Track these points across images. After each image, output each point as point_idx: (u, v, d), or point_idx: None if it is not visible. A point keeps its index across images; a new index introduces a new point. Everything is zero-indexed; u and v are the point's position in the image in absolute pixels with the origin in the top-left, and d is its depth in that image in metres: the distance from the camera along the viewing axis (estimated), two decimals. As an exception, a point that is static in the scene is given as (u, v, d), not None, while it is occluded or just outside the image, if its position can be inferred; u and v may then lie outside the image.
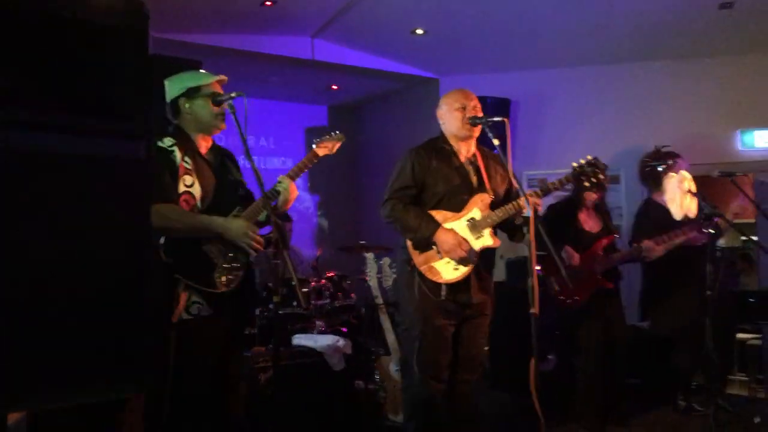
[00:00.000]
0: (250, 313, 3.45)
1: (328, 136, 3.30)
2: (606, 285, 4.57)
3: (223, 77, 3.10)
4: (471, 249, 3.34)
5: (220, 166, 3.08)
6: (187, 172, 2.89)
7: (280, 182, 3.07)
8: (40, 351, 1.18)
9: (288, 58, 6.72)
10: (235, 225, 2.91)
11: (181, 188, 2.86)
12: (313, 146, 3.26)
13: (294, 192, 3.10)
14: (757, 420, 4.43)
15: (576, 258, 4.52)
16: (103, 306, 1.24)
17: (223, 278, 2.86)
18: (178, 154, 2.88)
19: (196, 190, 2.89)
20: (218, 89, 3.04)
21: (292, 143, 8.65)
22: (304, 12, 5.98)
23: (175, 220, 2.77)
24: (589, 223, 4.72)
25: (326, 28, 6.39)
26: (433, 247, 3.37)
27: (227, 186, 3.04)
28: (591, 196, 4.63)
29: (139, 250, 1.26)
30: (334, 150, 3.30)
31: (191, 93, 2.99)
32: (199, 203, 2.90)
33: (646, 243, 4.61)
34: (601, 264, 4.56)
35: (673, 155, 4.95)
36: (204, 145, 3.05)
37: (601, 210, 4.81)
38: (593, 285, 4.53)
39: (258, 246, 2.94)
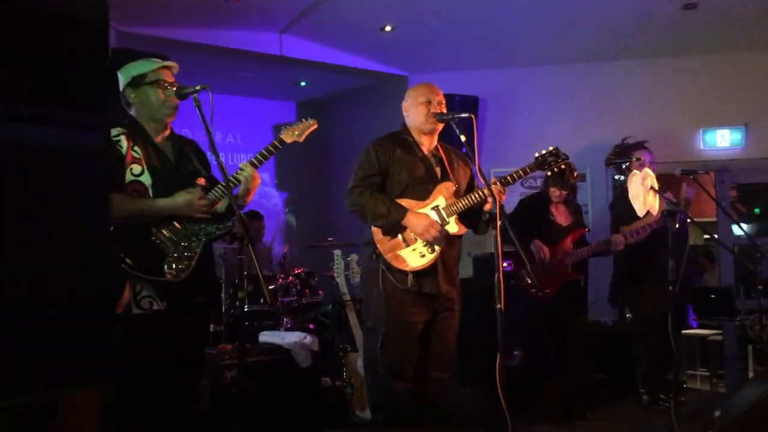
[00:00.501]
0: (210, 306, 3.34)
1: (298, 122, 3.17)
2: (576, 277, 4.70)
3: (171, 63, 3.04)
4: (443, 229, 3.35)
5: (179, 156, 3.02)
6: (135, 161, 2.84)
7: (241, 170, 2.98)
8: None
9: (256, 53, 6.68)
10: (179, 199, 2.84)
11: (129, 177, 2.82)
12: (281, 132, 3.14)
13: (256, 180, 3.00)
14: (717, 414, 4.51)
15: (546, 251, 4.61)
16: (49, 300, 1.22)
17: (173, 268, 2.79)
18: (125, 144, 2.84)
19: (146, 179, 2.84)
20: (167, 76, 2.98)
21: (259, 139, 8.58)
22: (273, 7, 5.94)
23: (117, 209, 2.67)
24: (560, 216, 4.84)
25: (295, 24, 6.35)
26: (399, 236, 3.36)
27: (183, 175, 2.96)
28: (555, 193, 4.76)
29: (95, 242, 1.24)
30: (303, 137, 3.15)
31: (136, 82, 2.95)
32: (150, 191, 2.85)
33: (614, 236, 4.75)
34: (570, 257, 4.68)
35: (639, 145, 5.04)
36: (159, 133, 3.00)
37: (572, 205, 4.93)
38: (563, 277, 4.65)
39: (209, 208, 2.88)
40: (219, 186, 2.91)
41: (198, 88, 2.83)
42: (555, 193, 4.78)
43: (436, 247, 3.35)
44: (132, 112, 2.99)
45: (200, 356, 3.17)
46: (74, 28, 1.24)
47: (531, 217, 4.83)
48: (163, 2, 5.62)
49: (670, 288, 3.94)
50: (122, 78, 2.99)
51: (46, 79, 1.20)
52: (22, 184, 1.17)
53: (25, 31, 1.19)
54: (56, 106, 1.20)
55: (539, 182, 7.09)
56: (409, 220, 3.33)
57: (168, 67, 3.02)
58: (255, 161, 2.98)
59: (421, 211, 3.39)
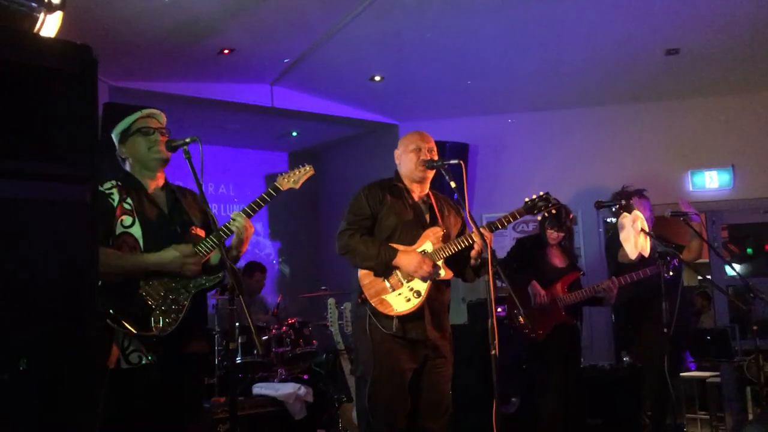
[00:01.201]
0: (204, 357, 3.26)
1: (295, 169, 3.14)
2: (569, 321, 4.71)
3: (152, 111, 3.04)
4: (435, 264, 3.33)
5: (173, 205, 3.00)
6: (126, 212, 2.82)
7: (233, 219, 2.92)
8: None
9: (247, 105, 6.75)
10: (167, 255, 2.80)
11: (119, 229, 2.80)
12: (276, 181, 3.09)
13: (249, 229, 2.95)
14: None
15: (543, 293, 4.66)
16: (35, 353, 1.20)
17: (160, 321, 2.74)
18: (116, 196, 2.84)
19: (136, 231, 2.82)
20: (151, 123, 2.98)
21: (252, 190, 8.62)
22: (263, 60, 6.02)
23: (105, 264, 2.57)
24: (556, 258, 4.88)
25: (285, 75, 6.44)
26: (385, 281, 3.35)
27: (176, 225, 2.94)
28: (552, 235, 4.81)
29: (80, 294, 1.23)
30: (300, 183, 3.12)
31: (124, 136, 2.98)
32: (141, 242, 2.82)
33: (605, 283, 4.72)
34: (564, 300, 4.70)
35: (638, 193, 5.07)
36: (152, 184, 3.00)
37: (568, 249, 4.99)
38: (556, 320, 4.66)
39: (196, 267, 2.84)
40: (210, 237, 2.89)
41: (188, 140, 2.84)
42: (552, 234, 4.81)
43: (422, 292, 3.33)
44: (127, 167, 3.00)
45: (195, 409, 3.09)
46: (61, 81, 1.25)
47: (527, 257, 4.87)
48: (155, 57, 5.70)
49: (665, 330, 3.92)
50: (114, 138, 3.02)
51: (30, 133, 1.21)
52: (3, 237, 1.17)
53: (11, 85, 1.20)
54: (39, 159, 1.21)
55: (531, 227, 7.15)
56: (400, 259, 3.32)
57: (151, 115, 3.02)
58: (248, 210, 2.95)
59: None
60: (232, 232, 2.91)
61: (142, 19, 4.93)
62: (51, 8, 1.59)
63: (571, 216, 4.80)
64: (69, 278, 1.22)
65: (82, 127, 1.27)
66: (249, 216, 2.95)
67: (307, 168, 3.16)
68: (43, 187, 1.21)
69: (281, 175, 3.12)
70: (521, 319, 4.57)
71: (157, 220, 2.91)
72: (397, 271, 3.36)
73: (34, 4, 1.53)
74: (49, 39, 1.56)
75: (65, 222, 1.21)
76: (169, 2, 4.71)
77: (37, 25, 1.61)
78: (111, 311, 2.67)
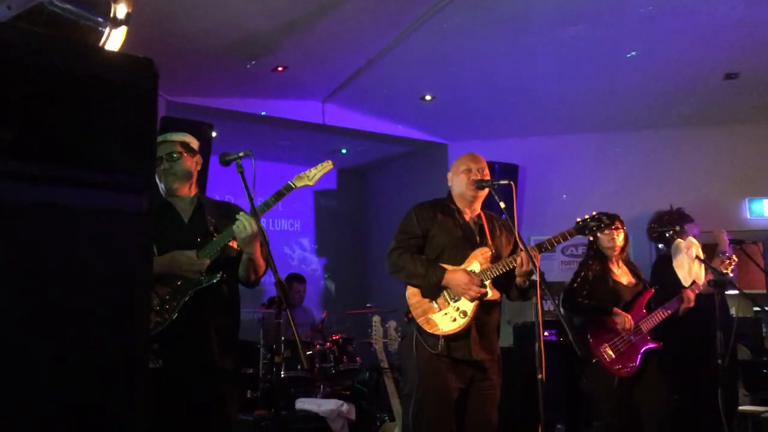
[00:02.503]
0: (235, 372, 3.20)
1: (312, 168, 3.07)
2: (656, 345, 4.19)
3: (175, 138, 3.08)
4: (483, 282, 3.30)
5: (194, 215, 3.04)
6: None
7: (237, 218, 2.86)
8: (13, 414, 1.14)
9: (299, 122, 6.84)
10: (168, 258, 2.83)
11: None
12: (291, 180, 3.03)
13: (253, 228, 2.83)
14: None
15: (629, 320, 4.11)
16: (90, 368, 1.22)
17: (151, 320, 2.72)
18: None
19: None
20: (173, 147, 3.03)
21: (300, 205, 8.71)
22: (315, 77, 6.11)
23: None
24: (623, 275, 4.34)
25: (336, 93, 6.51)
26: (433, 300, 3.34)
27: (193, 234, 2.95)
28: (606, 239, 4.26)
29: (135, 304, 1.25)
30: (315, 180, 3.05)
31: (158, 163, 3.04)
32: (155, 250, 2.82)
33: (686, 293, 4.26)
34: (647, 322, 4.19)
35: (687, 218, 4.92)
36: (180, 193, 3.05)
37: (630, 263, 4.46)
38: (643, 346, 4.14)
39: (197, 269, 2.83)
40: (215, 240, 2.89)
41: (241, 154, 2.86)
42: (606, 238, 4.24)
43: (469, 312, 3.30)
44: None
45: (217, 424, 3.03)
46: (123, 93, 1.29)
47: (594, 280, 4.30)
48: (210, 73, 5.84)
49: (719, 362, 3.79)
50: None
51: (90, 143, 1.25)
52: (56, 246, 1.19)
53: (73, 97, 1.24)
54: (98, 168, 1.24)
55: (580, 251, 7.03)
56: (449, 278, 3.32)
57: (165, 140, 3.05)
58: (258, 210, 2.88)
59: None
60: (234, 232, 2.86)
61: (201, 36, 5.06)
62: (116, 23, 1.65)
63: (622, 219, 4.18)
64: (125, 287, 1.24)
65: (141, 139, 1.31)
66: (257, 216, 2.86)
67: (326, 163, 3.10)
68: (103, 197, 1.24)
69: (298, 174, 3.07)
70: (611, 354, 4.06)
71: (172, 225, 2.96)
72: (445, 291, 3.35)
73: (100, 19, 1.59)
74: (112, 52, 1.61)
75: (122, 232, 1.24)
76: (227, 21, 4.83)
77: (103, 39, 1.66)
78: None
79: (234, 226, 2.84)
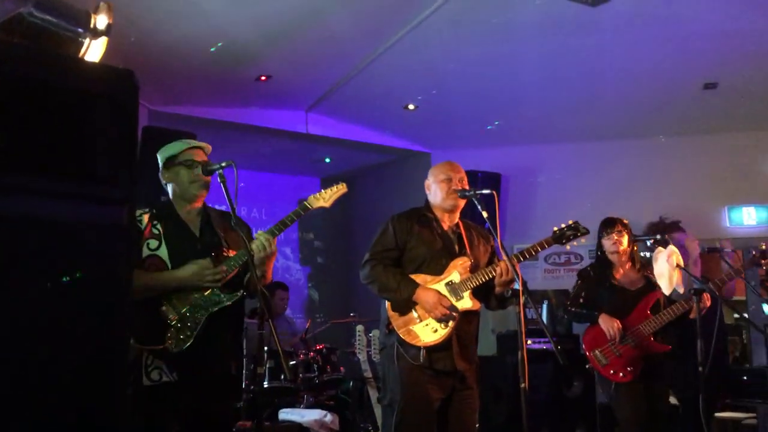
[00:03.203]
0: (235, 378, 3.23)
1: (328, 189, 3.11)
2: (663, 349, 4.10)
3: (202, 144, 3.09)
4: (452, 305, 3.30)
5: (204, 227, 3.02)
6: (154, 236, 2.86)
7: (256, 237, 2.90)
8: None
9: (282, 131, 6.83)
10: (187, 269, 2.83)
11: (146, 252, 2.83)
12: (306, 200, 3.08)
13: (272, 248, 2.89)
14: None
15: (616, 325, 4.03)
16: (71, 376, 1.21)
17: (173, 337, 2.75)
18: (145, 221, 2.88)
19: (162, 252, 2.85)
20: (198, 156, 3.01)
21: (283, 214, 8.67)
22: (299, 86, 6.11)
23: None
24: (628, 279, 4.25)
25: (320, 103, 6.51)
26: (413, 310, 3.33)
27: (205, 247, 2.95)
28: (609, 242, 4.23)
29: (114, 316, 1.24)
30: (331, 202, 3.11)
31: (169, 163, 3.01)
32: (168, 263, 2.85)
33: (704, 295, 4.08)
34: (650, 325, 4.07)
35: (675, 226, 4.96)
36: (188, 207, 3.03)
37: (637, 264, 4.34)
38: (647, 350, 4.07)
39: (218, 276, 2.83)
40: (234, 257, 2.90)
41: (224, 164, 2.86)
42: (609, 241, 4.22)
43: (450, 323, 3.30)
44: (169, 190, 3.05)
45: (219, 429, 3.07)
46: (103, 105, 1.28)
47: (591, 284, 4.25)
48: (194, 83, 5.82)
49: (700, 369, 3.81)
50: (159, 159, 3.07)
51: (70, 154, 1.24)
52: (36, 257, 1.19)
53: (51, 108, 1.24)
54: (78, 180, 1.23)
55: (563, 258, 7.07)
56: (419, 295, 3.30)
57: (199, 147, 3.07)
58: (275, 230, 2.94)
59: (434, 286, 3.37)
60: (253, 251, 2.89)
61: (184, 45, 5.04)
62: (96, 34, 1.64)
63: (625, 222, 4.28)
64: (103, 299, 1.23)
65: (122, 150, 1.30)
66: (275, 235, 2.93)
67: (340, 186, 3.15)
68: (82, 208, 1.23)
69: (313, 195, 3.12)
70: (603, 360, 4.03)
71: (185, 241, 2.93)
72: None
73: (80, 30, 1.58)
74: (92, 63, 1.60)
75: (102, 243, 1.23)
76: (210, 30, 4.82)
77: (83, 50, 1.65)
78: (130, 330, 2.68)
79: (254, 245, 2.85)
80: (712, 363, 3.98)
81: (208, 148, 3.10)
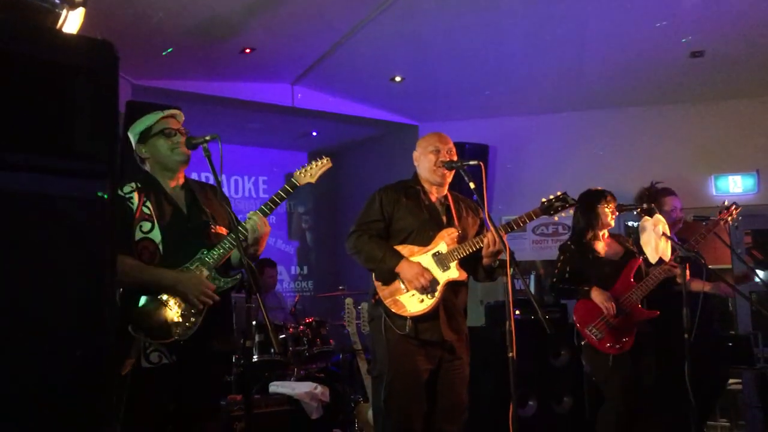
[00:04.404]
0: (229, 355, 3.26)
1: (311, 163, 3.10)
2: (651, 315, 4.14)
3: (174, 111, 3.02)
4: (433, 279, 3.30)
5: (191, 204, 2.97)
6: (146, 218, 2.80)
7: (249, 218, 2.91)
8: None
9: (268, 104, 6.77)
10: (186, 278, 2.77)
11: (139, 235, 2.78)
12: (293, 176, 3.06)
13: (265, 228, 2.91)
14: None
15: (607, 298, 4.05)
16: (51, 355, 1.20)
17: (179, 326, 2.72)
18: (136, 200, 2.81)
19: (156, 236, 2.80)
20: (172, 124, 2.96)
21: (271, 188, 8.66)
22: (284, 59, 6.04)
23: (123, 273, 2.58)
24: (609, 250, 4.30)
25: (306, 75, 6.45)
26: (400, 282, 3.33)
27: (195, 226, 2.92)
28: (608, 219, 4.24)
29: (96, 293, 1.23)
30: (316, 177, 3.10)
31: (144, 136, 2.95)
32: (161, 248, 2.80)
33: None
34: (637, 292, 4.13)
35: (668, 191, 4.96)
36: (172, 183, 2.97)
37: (614, 234, 4.43)
38: (636, 318, 4.11)
39: (208, 301, 2.77)
40: (227, 238, 2.87)
41: (208, 138, 2.82)
42: (608, 210, 4.22)
43: (436, 293, 3.31)
44: (146, 167, 2.98)
45: (212, 408, 3.10)
46: (82, 77, 1.26)
47: (574, 258, 4.27)
48: (176, 56, 5.74)
49: (686, 336, 3.85)
50: (132, 137, 2.99)
51: (49, 128, 1.22)
52: (15, 232, 1.17)
53: (30, 80, 1.21)
54: (58, 154, 1.21)
55: (550, 229, 7.09)
56: (402, 267, 3.31)
57: (172, 115, 3.00)
58: (265, 209, 2.93)
59: (421, 256, 3.37)
60: (247, 231, 2.89)
61: (166, 17, 4.96)
62: (73, 4, 1.60)
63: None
64: (86, 274, 1.22)
65: (101, 124, 1.28)
66: (266, 214, 2.93)
67: (324, 161, 3.13)
68: (62, 182, 1.21)
69: (298, 170, 3.10)
70: (598, 334, 4.04)
71: (176, 221, 2.88)
72: None
73: (56, 0, 1.54)
74: (70, 35, 1.57)
75: (83, 217, 1.21)
76: (192, 1, 4.74)
77: (59, 21, 1.62)
78: (131, 321, 2.67)
79: (248, 226, 2.86)
80: (698, 331, 4.02)
81: (181, 115, 3.04)
